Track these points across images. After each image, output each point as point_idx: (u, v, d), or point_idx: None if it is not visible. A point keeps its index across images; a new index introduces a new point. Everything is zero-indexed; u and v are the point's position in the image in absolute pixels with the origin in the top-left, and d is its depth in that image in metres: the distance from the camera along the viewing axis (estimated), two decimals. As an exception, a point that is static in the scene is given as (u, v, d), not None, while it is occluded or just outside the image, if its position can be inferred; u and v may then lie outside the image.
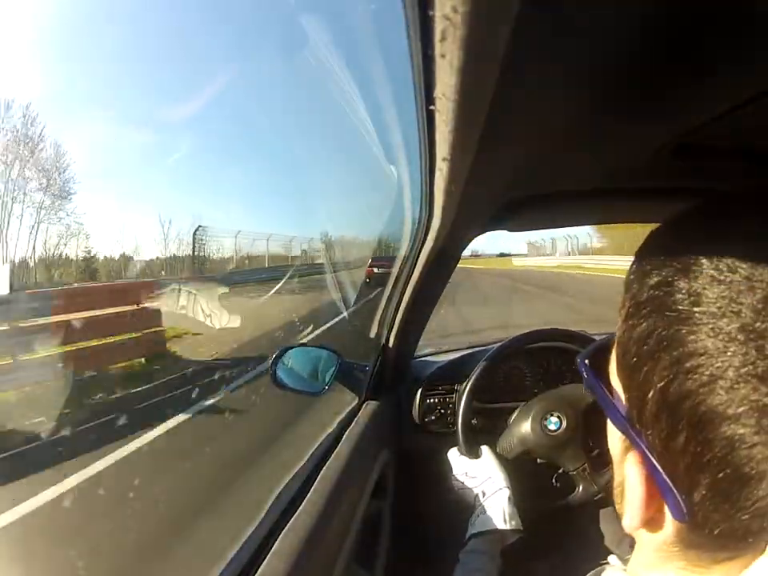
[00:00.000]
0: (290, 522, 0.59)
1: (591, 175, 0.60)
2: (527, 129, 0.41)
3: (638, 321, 0.23)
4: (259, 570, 0.50)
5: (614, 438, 0.28)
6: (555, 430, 0.99)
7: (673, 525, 0.25)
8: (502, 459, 0.95)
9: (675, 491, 0.22)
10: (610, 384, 0.27)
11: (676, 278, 0.22)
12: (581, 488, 1.01)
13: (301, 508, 0.62)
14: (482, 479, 0.86)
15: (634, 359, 0.23)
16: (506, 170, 0.52)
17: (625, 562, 0.36)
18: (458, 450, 0.96)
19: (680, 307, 0.21)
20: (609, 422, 0.28)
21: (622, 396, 0.25)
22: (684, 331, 0.21)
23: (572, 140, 0.45)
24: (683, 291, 0.21)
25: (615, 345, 0.27)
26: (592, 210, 0.80)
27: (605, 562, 0.39)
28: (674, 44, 0.29)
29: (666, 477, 0.23)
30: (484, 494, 0.83)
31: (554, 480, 1.03)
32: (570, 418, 1.00)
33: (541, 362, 1.13)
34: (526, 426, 1.01)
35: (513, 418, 1.07)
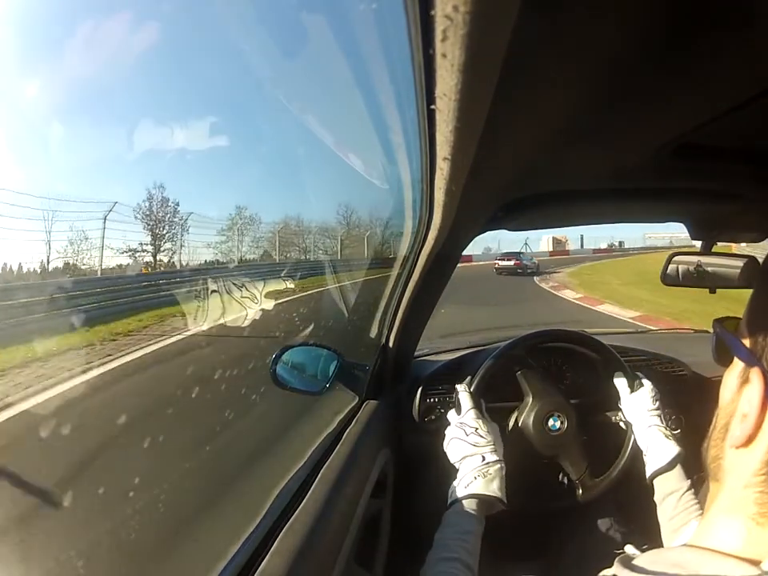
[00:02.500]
0: (290, 521, 0.59)
1: (591, 175, 0.60)
2: (527, 129, 0.41)
3: None
4: (259, 570, 0.50)
5: (731, 381, 0.35)
6: (557, 431, 0.99)
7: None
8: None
9: None
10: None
11: None
12: (581, 489, 1.01)
13: (301, 508, 0.62)
14: (488, 444, 0.83)
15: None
16: (506, 170, 0.52)
17: (642, 550, 0.37)
18: (471, 400, 0.90)
19: None
20: (725, 376, 0.37)
21: (747, 343, 0.34)
22: None
23: (572, 140, 0.45)
24: None
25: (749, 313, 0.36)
26: (592, 209, 0.80)
27: (620, 551, 0.40)
28: (674, 45, 0.29)
29: None
30: (484, 459, 0.81)
31: (560, 478, 1.03)
32: (572, 419, 1.00)
33: (542, 362, 1.13)
34: (527, 427, 1.01)
35: (514, 418, 1.07)
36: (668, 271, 1.01)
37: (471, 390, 0.98)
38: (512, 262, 18.48)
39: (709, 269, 0.97)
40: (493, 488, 0.77)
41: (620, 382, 1.01)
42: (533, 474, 1.03)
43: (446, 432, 0.90)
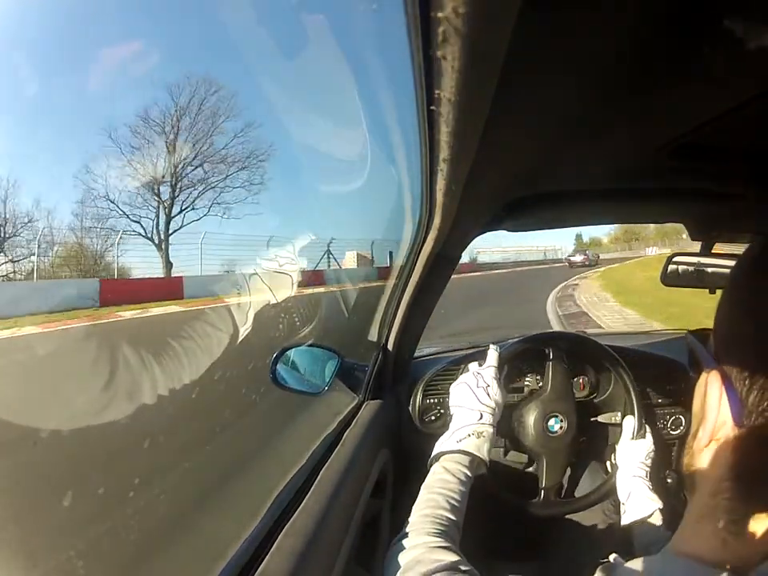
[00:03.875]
0: (290, 521, 0.59)
1: (591, 175, 0.60)
2: (527, 129, 0.41)
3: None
4: (259, 570, 0.50)
5: (700, 389, 0.36)
6: (556, 432, 0.99)
7: (733, 432, 0.31)
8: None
9: (733, 391, 0.32)
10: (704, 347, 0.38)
11: None
12: (542, 500, 1.00)
13: (301, 508, 0.62)
14: (491, 405, 0.81)
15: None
16: (505, 171, 0.52)
17: (626, 560, 0.37)
18: (497, 368, 0.87)
19: None
20: (697, 386, 0.38)
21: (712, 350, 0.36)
22: None
23: (572, 141, 0.45)
24: None
25: (715, 322, 0.37)
26: (592, 210, 0.80)
27: (605, 561, 0.40)
28: (674, 45, 0.29)
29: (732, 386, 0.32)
30: (481, 417, 0.79)
31: (555, 479, 1.03)
32: (571, 420, 1.00)
33: (542, 362, 1.13)
34: (527, 427, 1.01)
35: (514, 418, 1.07)
36: (668, 272, 1.01)
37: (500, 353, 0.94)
38: (581, 258, 25.60)
39: (708, 269, 0.97)
40: (483, 450, 0.76)
41: (628, 425, 0.99)
42: (530, 474, 1.03)
43: (460, 375, 0.89)
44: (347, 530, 0.67)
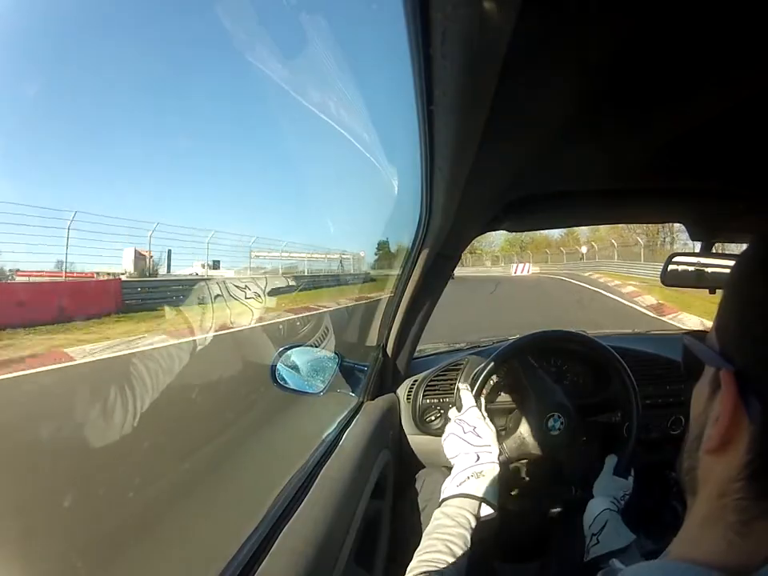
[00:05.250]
0: (290, 521, 0.59)
1: (591, 176, 0.60)
2: (527, 129, 0.41)
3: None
4: (259, 570, 0.50)
5: (702, 389, 0.36)
6: (557, 431, 0.99)
7: (747, 436, 0.30)
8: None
9: (753, 395, 0.30)
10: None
11: None
12: (576, 491, 1.01)
13: (301, 508, 0.62)
14: (484, 444, 0.83)
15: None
16: (505, 170, 0.52)
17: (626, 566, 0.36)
18: (476, 407, 0.90)
19: None
20: (696, 388, 0.37)
21: (717, 348, 0.35)
22: None
23: (571, 140, 0.45)
24: None
25: (719, 320, 0.36)
26: (592, 210, 0.80)
27: (606, 566, 0.39)
28: (673, 46, 0.29)
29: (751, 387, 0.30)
30: (478, 459, 0.80)
31: (556, 479, 1.03)
32: (571, 419, 1.00)
33: (542, 362, 1.13)
34: (527, 427, 1.01)
35: (514, 418, 1.07)
36: (668, 271, 1.01)
37: (473, 388, 0.97)
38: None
39: (708, 269, 0.97)
40: (484, 489, 0.76)
41: (610, 462, 0.99)
42: (530, 474, 1.03)
43: (445, 428, 0.90)
44: (347, 530, 0.67)
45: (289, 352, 0.98)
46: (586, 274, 17.91)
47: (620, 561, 0.76)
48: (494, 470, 0.79)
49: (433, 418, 1.14)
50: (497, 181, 0.56)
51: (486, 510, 0.75)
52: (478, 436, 0.84)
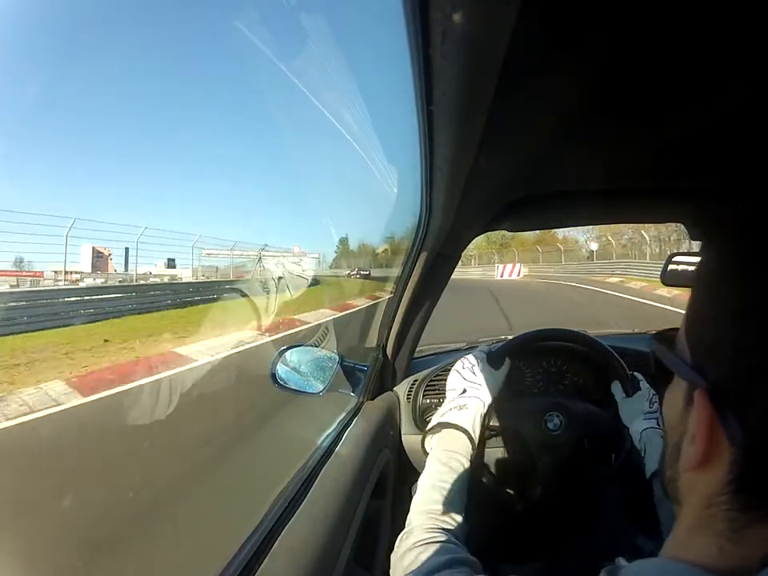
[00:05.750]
0: (290, 521, 0.59)
1: (591, 176, 0.60)
2: (527, 129, 0.41)
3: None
4: (259, 570, 0.50)
5: (675, 399, 0.33)
6: (556, 430, 0.99)
7: (728, 456, 0.28)
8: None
9: (732, 414, 0.27)
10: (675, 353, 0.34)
11: None
12: (582, 490, 1.01)
13: (301, 508, 0.62)
14: (475, 381, 0.84)
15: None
16: (505, 170, 0.52)
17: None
18: (488, 355, 0.91)
19: None
20: (668, 394, 0.35)
21: (689, 358, 0.32)
22: None
23: (571, 140, 0.45)
24: None
25: (687, 325, 0.33)
26: (591, 210, 0.80)
27: (610, 564, 0.39)
28: (672, 46, 0.29)
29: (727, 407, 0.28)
30: (465, 392, 0.82)
31: (556, 478, 1.03)
32: (571, 418, 1.00)
33: (541, 361, 1.13)
34: (527, 427, 1.01)
35: (513, 418, 1.07)
36: (668, 271, 1.00)
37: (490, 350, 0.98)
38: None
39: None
40: (463, 419, 0.76)
41: (616, 388, 1.01)
42: (532, 474, 1.03)
43: None
44: (348, 530, 0.67)
45: (289, 352, 0.98)
46: (611, 280, 14.25)
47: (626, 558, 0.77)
48: (476, 404, 0.80)
49: (433, 417, 1.14)
50: (497, 181, 0.56)
51: (469, 443, 0.75)
52: (473, 373, 0.86)
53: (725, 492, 0.28)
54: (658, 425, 0.87)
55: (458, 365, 0.89)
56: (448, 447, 0.73)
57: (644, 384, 0.97)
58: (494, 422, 1.09)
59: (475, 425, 0.78)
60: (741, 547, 0.28)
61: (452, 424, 0.76)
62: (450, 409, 0.79)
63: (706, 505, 0.30)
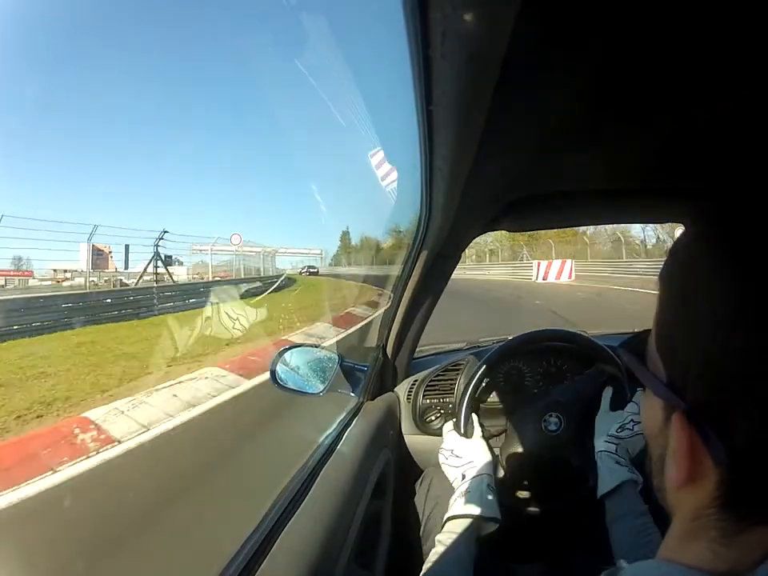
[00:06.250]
0: (291, 522, 0.59)
1: (591, 176, 0.60)
2: (527, 129, 0.41)
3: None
4: (259, 570, 0.50)
5: (654, 412, 0.31)
6: (555, 430, 0.99)
7: (714, 475, 0.27)
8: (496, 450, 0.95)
9: (715, 435, 0.26)
10: (646, 365, 0.32)
11: None
12: (581, 491, 1.01)
13: (301, 508, 0.62)
14: (465, 461, 0.86)
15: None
16: (505, 170, 0.52)
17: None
18: (453, 424, 0.96)
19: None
20: (645, 402, 0.33)
21: (662, 371, 0.30)
22: None
23: (571, 140, 0.45)
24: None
25: (657, 338, 0.30)
26: (591, 210, 0.80)
27: (611, 566, 0.39)
28: (672, 45, 0.29)
29: (707, 425, 0.26)
30: (464, 477, 0.83)
31: (555, 480, 1.03)
32: (570, 418, 1.00)
33: (540, 362, 1.13)
34: (526, 427, 1.01)
35: (513, 418, 1.07)
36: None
37: (468, 389, 1.00)
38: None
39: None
40: (473, 505, 0.77)
41: (606, 396, 1.00)
42: (532, 474, 1.03)
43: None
44: (348, 530, 0.67)
45: (289, 352, 0.98)
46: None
47: (614, 501, 0.77)
48: (480, 482, 0.81)
49: (433, 418, 1.14)
50: (497, 181, 0.56)
51: (489, 524, 0.76)
52: (458, 456, 0.87)
53: (713, 506, 0.28)
54: (616, 452, 0.86)
55: (440, 459, 0.91)
56: (449, 528, 0.75)
57: (631, 407, 0.93)
58: (494, 423, 1.09)
59: (484, 500, 0.78)
60: (734, 550, 0.28)
61: (458, 516, 0.77)
62: (456, 500, 0.80)
63: (696, 516, 0.29)
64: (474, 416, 0.99)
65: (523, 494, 1.03)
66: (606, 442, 0.88)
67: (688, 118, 0.40)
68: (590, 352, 1.09)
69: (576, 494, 0.99)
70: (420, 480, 1.07)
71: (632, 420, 0.90)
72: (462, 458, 0.87)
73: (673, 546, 0.32)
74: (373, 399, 1.05)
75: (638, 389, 0.96)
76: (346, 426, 0.90)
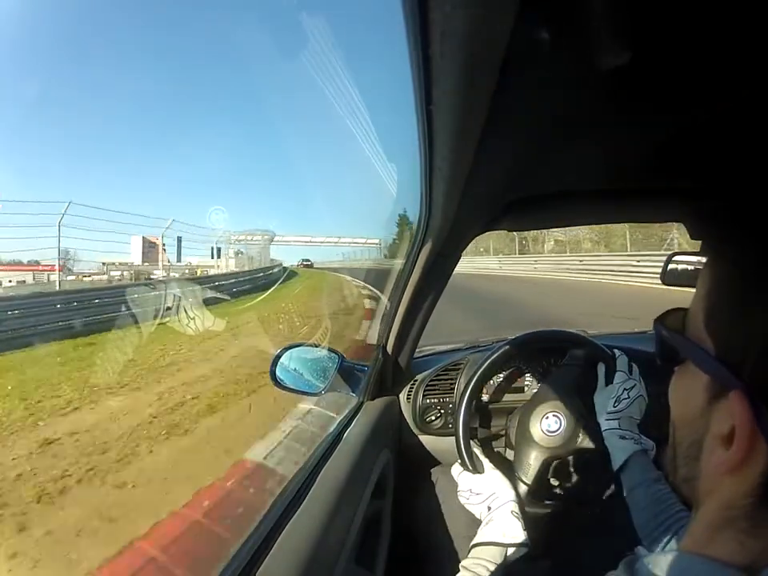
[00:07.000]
0: (291, 522, 0.58)
1: (591, 175, 0.60)
2: (526, 129, 0.41)
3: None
4: (259, 570, 0.50)
5: (694, 392, 0.31)
6: (555, 430, 0.99)
7: (761, 463, 0.27)
8: (505, 465, 0.94)
9: None
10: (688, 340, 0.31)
11: None
12: (584, 488, 1.01)
13: (301, 508, 0.62)
14: (487, 495, 0.86)
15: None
16: (505, 170, 0.52)
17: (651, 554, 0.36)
18: (460, 465, 0.94)
19: None
20: (680, 383, 0.33)
21: (711, 350, 0.29)
22: None
23: (571, 140, 0.45)
24: None
25: (707, 312, 0.30)
26: (591, 210, 0.80)
27: (630, 553, 0.39)
28: (671, 45, 0.29)
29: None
30: (489, 509, 0.83)
31: (557, 479, 1.03)
32: (570, 418, 1.00)
33: (540, 362, 1.13)
34: (526, 428, 1.01)
35: (512, 419, 1.07)
36: (668, 270, 1.00)
37: (468, 389, 0.99)
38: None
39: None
40: (497, 533, 0.78)
41: (600, 372, 1.00)
42: (533, 475, 1.03)
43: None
44: (348, 530, 0.67)
45: (289, 352, 0.98)
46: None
47: (627, 474, 0.77)
48: (506, 509, 0.81)
49: (433, 417, 1.14)
50: (496, 180, 0.56)
51: (516, 549, 0.77)
52: (478, 494, 0.87)
53: (752, 495, 0.28)
54: (619, 427, 0.86)
55: (461, 500, 0.90)
56: (475, 555, 0.75)
57: (619, 376, 0.93)
58: (494, 424, 1.09)
59: (511, 529, 0.79)
60: (761, 541, 0.28)
61: (484, 543, 0.77)
62: (482, 529, 0.81)
63: (730, 506, 0.29)
64: (477, 450, 0.97)
65: (551, 502, 1.02)
66: (606, 420, 0.88)
67: (688, 118, 0.40)
68: (590, 351, 1.09)
69: (601, 483, 0.99)
70: (428, 479, 1.07)
71: (624, 389, 0.90)
72: (482, 494, 0.86)
73: (700, 535, 0.31)
74: (373, 399, 1.05)
75: (618, 370, 0.95)
76: (345, 426, 0.90)
